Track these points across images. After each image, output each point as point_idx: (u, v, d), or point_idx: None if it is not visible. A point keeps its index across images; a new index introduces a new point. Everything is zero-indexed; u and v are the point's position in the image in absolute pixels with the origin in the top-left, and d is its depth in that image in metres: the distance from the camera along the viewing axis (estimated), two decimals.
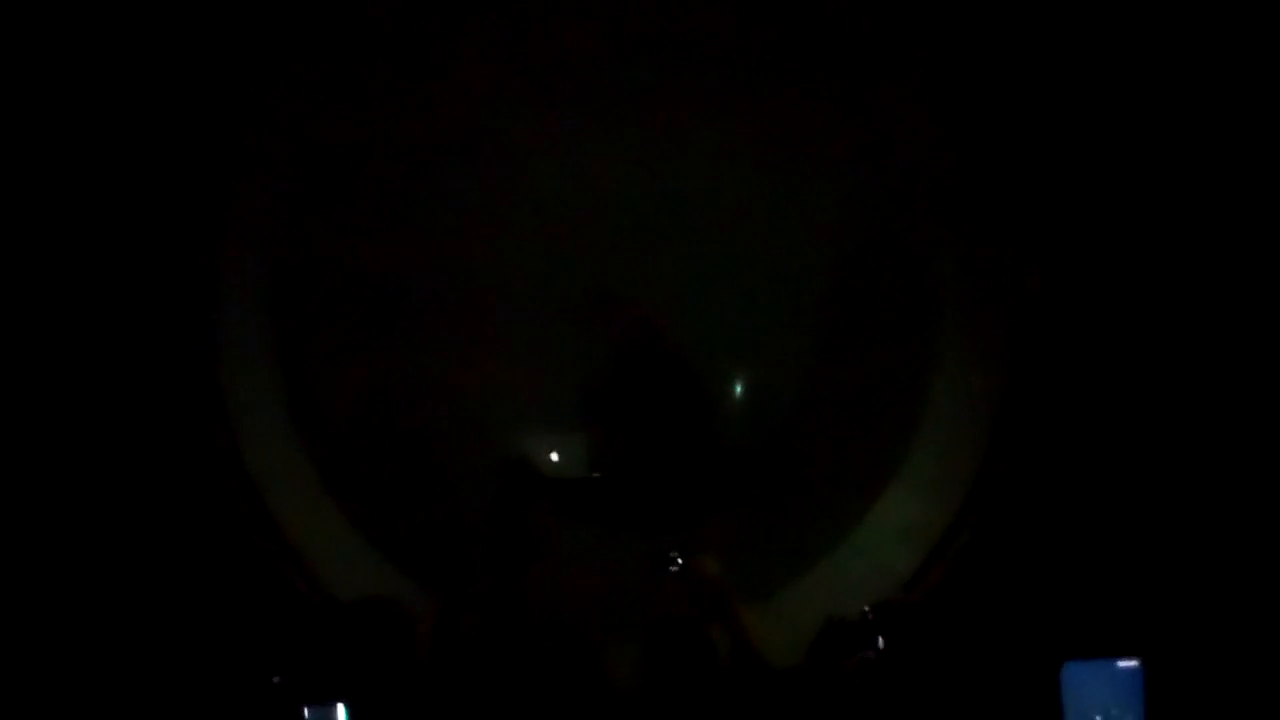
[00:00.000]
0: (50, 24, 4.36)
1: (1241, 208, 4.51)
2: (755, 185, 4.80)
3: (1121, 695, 4.18)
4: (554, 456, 4.83)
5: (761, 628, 4.42)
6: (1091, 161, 4.58)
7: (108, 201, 4.43)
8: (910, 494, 4.77)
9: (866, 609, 4.43)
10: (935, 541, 4.67)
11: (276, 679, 4.19)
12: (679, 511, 4.75)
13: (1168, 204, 4.55)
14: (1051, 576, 4.51)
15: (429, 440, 4.75)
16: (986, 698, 4.22)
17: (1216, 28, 4.46)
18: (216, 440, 4.62)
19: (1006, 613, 4.45)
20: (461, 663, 4.47)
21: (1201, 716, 4.30)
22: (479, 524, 4.69)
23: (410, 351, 4.75)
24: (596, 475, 4.82)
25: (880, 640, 4.32)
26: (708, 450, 4.86)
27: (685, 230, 4.80)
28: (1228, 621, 4.43)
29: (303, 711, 4.05)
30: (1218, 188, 4.52)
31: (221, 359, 4.66)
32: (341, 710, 4.07)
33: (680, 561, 4.32)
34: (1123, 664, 4.19)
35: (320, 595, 4.60)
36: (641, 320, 4.86)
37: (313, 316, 4.74)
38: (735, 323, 4.89)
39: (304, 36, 4.65)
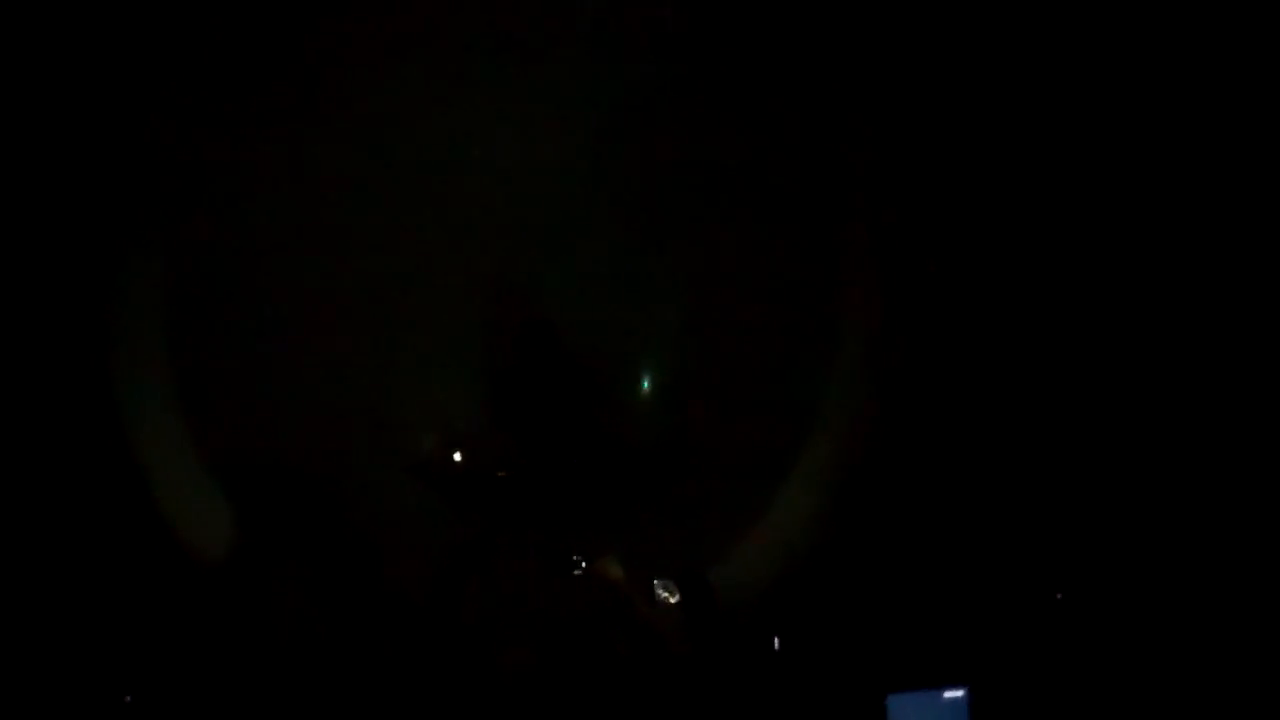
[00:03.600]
0: None
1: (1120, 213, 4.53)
2: (658, 183, 4.88)
3: None
4: (456, 456, 4.92)
5: (663, 624, 4.53)
6: (978, 177, 4.60)
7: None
8: (806, 489, 4.89)
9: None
10: (829, 535, 4.82)
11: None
12: (582, 509, 4.83)
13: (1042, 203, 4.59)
14: (879, 605, 4.66)
15: (333, 444, 4.75)
16: None
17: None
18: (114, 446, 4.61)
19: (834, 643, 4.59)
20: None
21: None
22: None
23: (312, 354, 4.74)
24: (501, 474, 4.89)
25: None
26: (609, 451, 4.93)
27: (587, 229, 4.87)
28: (1052, 651, 4.53)
29: None
30: (1091, 186, 4.55)
31: (114, 361, 4.64)
32: None
33: (583, 565, 4.42)
34: (949, 694, 4.25)
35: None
36: (543, 319, 4.91)
37: (210, 328, 4.72)
38: (638, 323, 4.97)
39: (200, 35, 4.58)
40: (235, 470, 4.69)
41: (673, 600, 4.16)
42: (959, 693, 4.24)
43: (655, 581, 4.13)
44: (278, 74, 4.66)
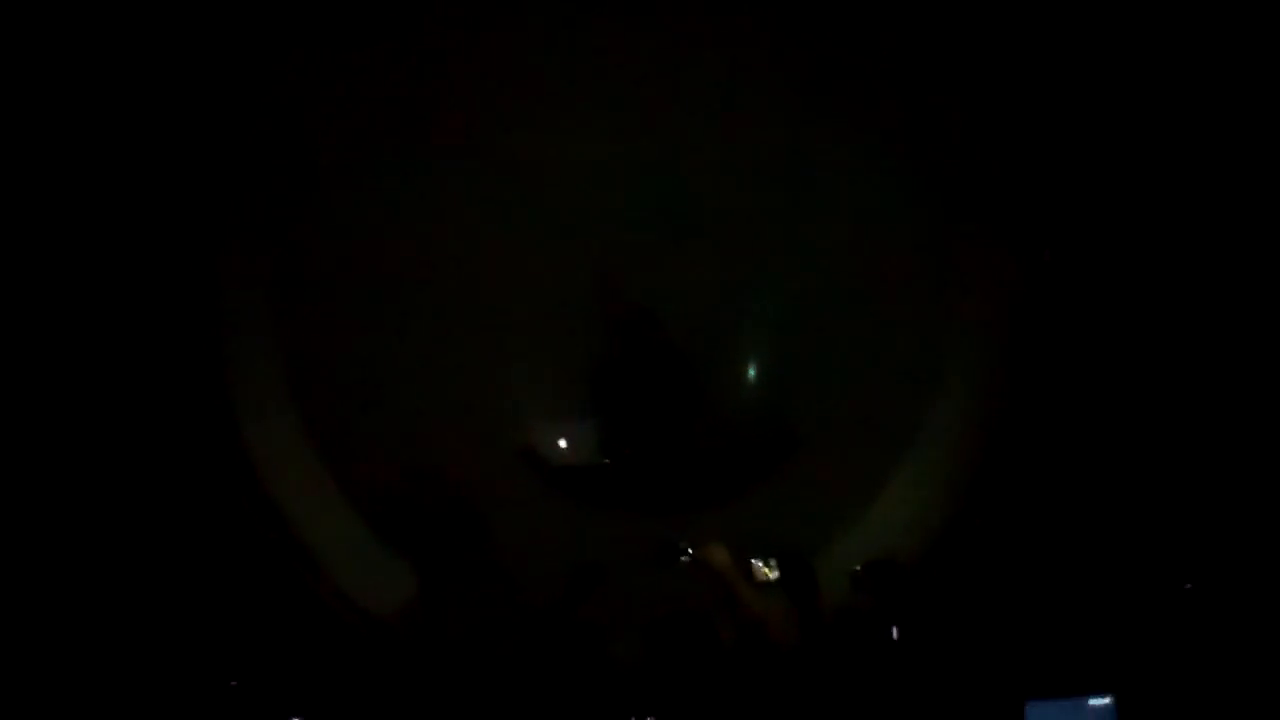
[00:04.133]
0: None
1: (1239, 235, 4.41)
2: (761, 183, 4.82)
3: None
4: (562, 444, 4.87)
5: (770, 615, 4.47)
6: (1092, 170, 4.58)
7: (116, 210, 4.46)
8: (914, 484, 4.78)
9: (857, 567, 4.50)
10: (937, 532, 4.68)
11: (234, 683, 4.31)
12: (688, 498, 4.78)
13: (1170, 219, 4.50)
14: (1020, 610, 4.52)
15: (438, 433, 4.75)
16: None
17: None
18: (225, 441, 4.63)
19: (973, 645, 4.45)
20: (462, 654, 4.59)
21: None
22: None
23: (418, 346, 4.77)
24: (606, 461, 4.84)
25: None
26: (715, 437, 4.86)
27: (693, 225, 4.83)
28: (1201, 658, 4.34)
29: None
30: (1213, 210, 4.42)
31: (228, 359, 4.66)
32: None
33: (690, 552, 4.37)
34: (1094, 702, 4.02)
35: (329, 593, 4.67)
36: (648, 309, 4.88)
37: (319, 313, 4.76)
38: (744, 311, 4.93)
39: (299, 42, 4.61)
40: (353, 467, 4.73)
41: (772, 577, 4.08)
42: (1105, 700, 4.03)
43: (754, 561, 4.06)
44: (383, 78, 4.71)
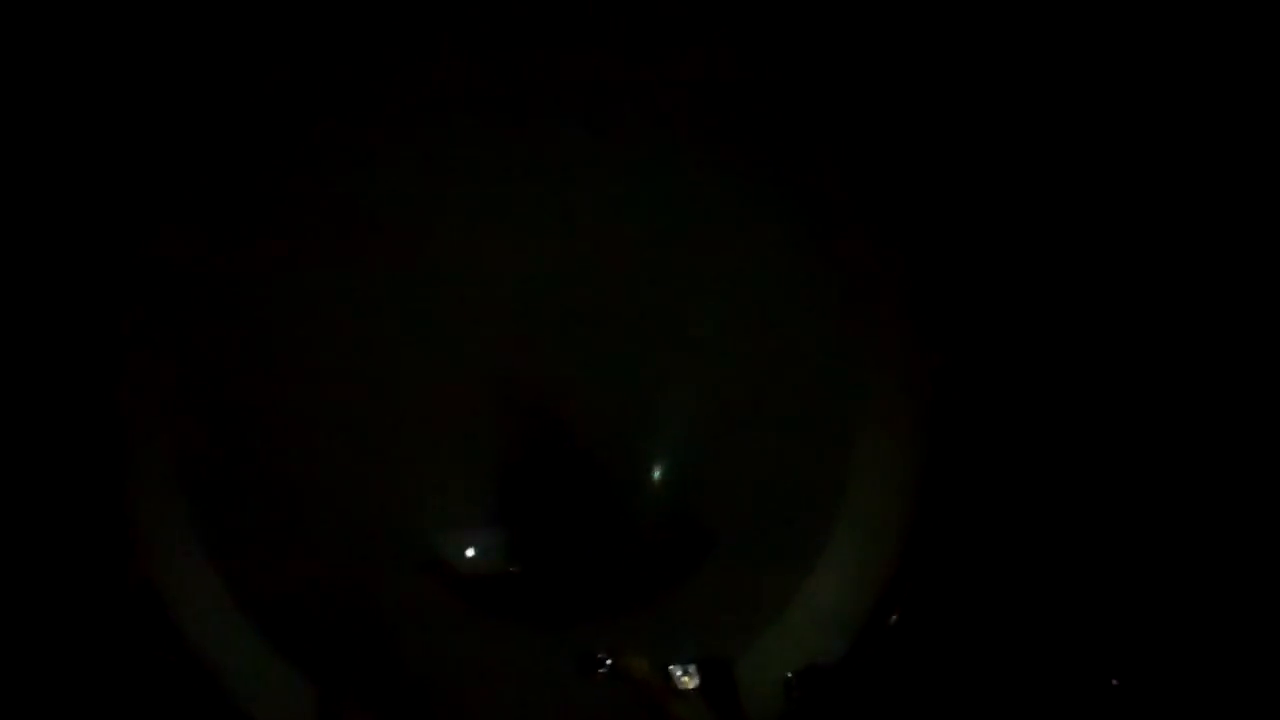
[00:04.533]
0: None
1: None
2: (667, 271, 4.73)
3: None
4: (469, 553, 4.71)
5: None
6: (997, 239, 4.50)
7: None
8: (834, 578, 4.69)
9: (789, 674, 4.39)
10: (861, 626, 4.59)
11: None
12: (599, 605, 4.64)
13: (1075, 276, 4.48)
14: (985, 655, 4.45)
15: (339, 543, 4.58)
16: None
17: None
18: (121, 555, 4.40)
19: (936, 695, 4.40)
20: None
21: None
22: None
23: (315, 452, 4.60)
24: (513, 570, 4.68)
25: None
26: (628, 540, 4.75)
27: (596, 317, 4.72)
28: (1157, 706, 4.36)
29: None
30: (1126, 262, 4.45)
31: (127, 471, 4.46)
32: None
33: (609, 663, 4.22)
34: None
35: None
36: (550, 411, 4.75)
37: (213, 416, 4.59)
38: (652, 409, 4.81)
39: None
40: (250, 578, 4.55)
41: (691, 685, 3.99)
42: None
43: (671, 668, 3.95)
44: (273, 162, 4.54)
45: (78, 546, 4.34)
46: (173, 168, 4.45)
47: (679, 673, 4.11)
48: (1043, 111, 4.44)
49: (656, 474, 4.86)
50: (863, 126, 4.60)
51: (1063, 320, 4.51)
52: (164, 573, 4.52)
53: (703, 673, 4.13)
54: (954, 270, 4.62)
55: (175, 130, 4.41)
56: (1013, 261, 4.55)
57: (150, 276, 4.50)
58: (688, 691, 4.12)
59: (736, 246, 4.73)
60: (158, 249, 4.48)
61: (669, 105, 4.65)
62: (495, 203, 4.68)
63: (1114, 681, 4.28)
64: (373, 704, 4.49)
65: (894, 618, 4.57)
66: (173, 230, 4.50)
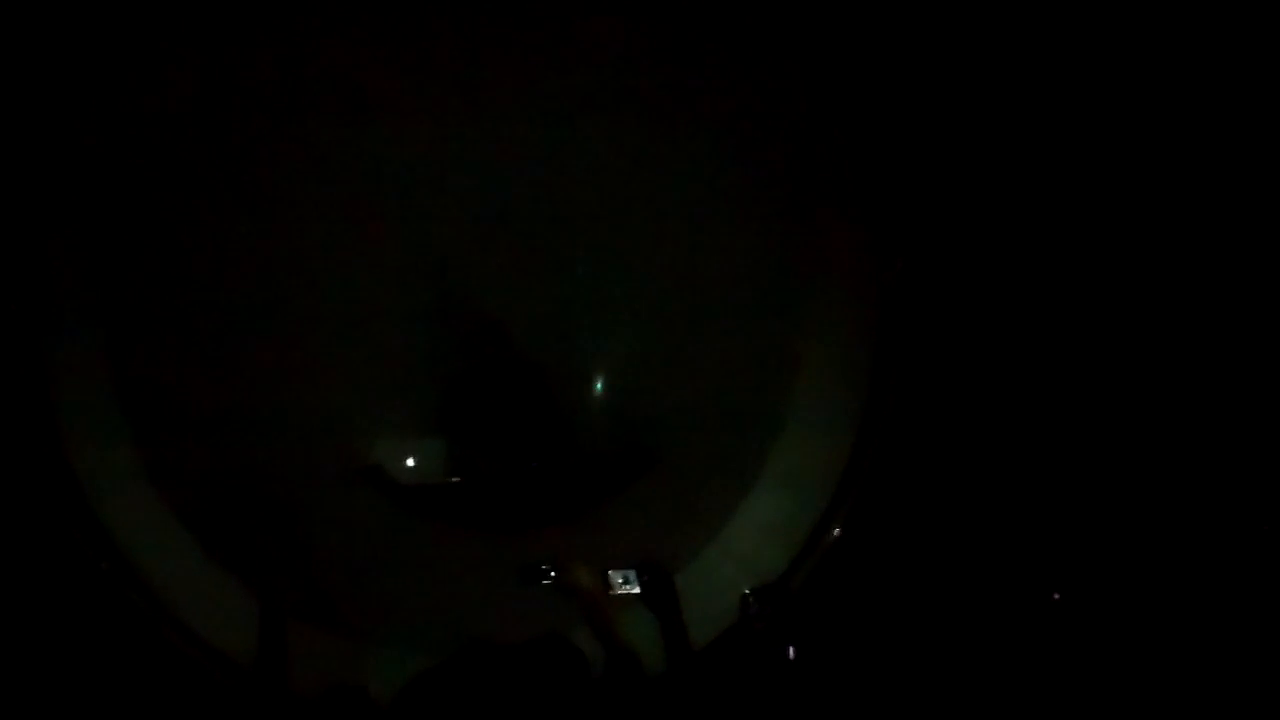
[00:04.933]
0: None
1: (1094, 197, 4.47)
2: (613, 185, 4.71)
3: None
4: (410, 462, 4.68)
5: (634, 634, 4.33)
6: (948, 157, 4.48)
7: None
8: (776, 492, 4.70)
9: (747, 592, 4.39)
10: (802, 540, 4.61)
11: None
12: (542, 516, 4.62)
13: (1023, 201, 4.50)
14: (926, 569, 4.49)
15: (281, 449, 4.53)
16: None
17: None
18: (50, 456, 4.31)
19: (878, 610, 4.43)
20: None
21: None
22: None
23: (259, 360, 4.57)
24: (455, 480, 4.65)
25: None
26: (569, 453, 4.73)
27: (542, 232, 4.72)
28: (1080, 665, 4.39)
29: None
30: (1074, 181, 4.47)
31: (55, 372, 4.34)
32: None
33: (552, 574, 4.19)
34: None
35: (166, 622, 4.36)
36: (496, 323, 4.73)
37: (151, 321, 4.52)
38: (594, 322, 4.82)
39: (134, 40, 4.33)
40: (183, 482, 4.47)
41: (633, 591, 3.95)
42: None
43: (611, 572, 3.91)
44: (221, 79, 4.49)
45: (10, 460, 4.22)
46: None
47: (619, 580, 4.07)
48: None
49: (599, 387, 4.85)
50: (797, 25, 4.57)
51: (1013, 229, 4.50)
52: (97, 481, 4.40)
53: (643, 580, 4.10)
54: (900, 176, 4.57)
55: None
56: (959, 165, 4.53)
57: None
58: (628, 598, 4.09)
59: (677, 159, 4.71)
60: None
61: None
62: (451, 116, 4.64)
63: (1055, 596, 4.33)
64: (311, 614, 4.40)
65: (835, 533, 4.55)
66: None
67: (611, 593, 4.00)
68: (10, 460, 4.20)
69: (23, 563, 4.15)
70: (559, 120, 4.64)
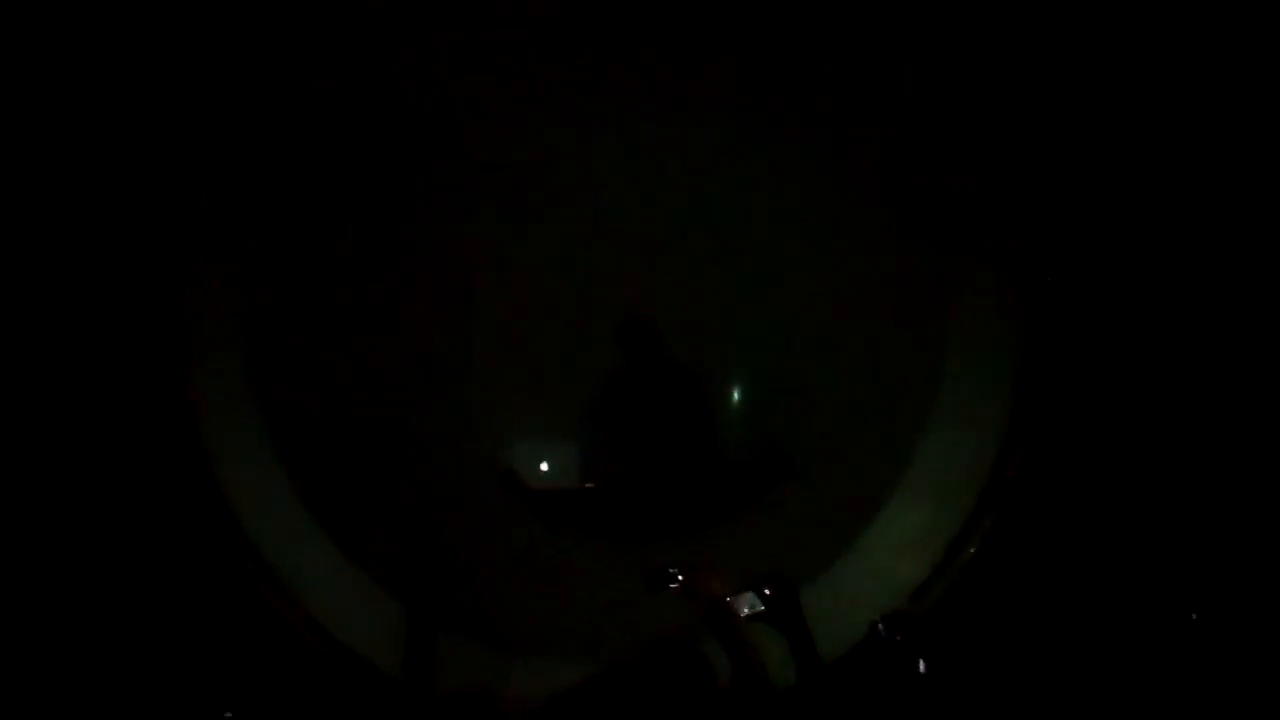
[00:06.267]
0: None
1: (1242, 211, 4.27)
2: (756, 195, 4.74)
3: None
4: (544, 467, 4.69)
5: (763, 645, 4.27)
6: (1097, 166, 4.37)
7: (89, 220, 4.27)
8: (914, 504, 4.60)
9: (877, 621, 4.28)
10: (940, 553, 4.50)
11: (229, 715, 4.11)
12: (676, 524, 4.59)
13: (1171, 208, 4.33)
14: (1065, 585, 4.35)
15: (418, 452, 4.63)
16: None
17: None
18: (194, 465, 4.42)
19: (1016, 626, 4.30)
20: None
21: None
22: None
23: (398, 362, 4.66)
24: (589, 486, 4.65)
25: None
26: (706, 460, 4.70)
27: (685, 239, 4.75)
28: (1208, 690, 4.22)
29: None
30: (1218, 190, 4.28)
31: (195, 377, 4.45)
32: None
33: (680, 579, 4.15)
34: None
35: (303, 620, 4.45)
36: (639, 327, 4.78)
37: (292, 323, 4.63)
38: (735, 331, 4.82)
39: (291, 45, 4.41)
40: (329, 491, 4.60)
41: (759, 610, 3.88)
42: None
43: (735, 598, 3.85)
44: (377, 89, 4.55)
45: (150, 456, 4.34)
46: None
47: (744, 608, 4.02)
48: None
49: (738, 396, 4.82)
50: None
51: (1159, 242, 4.35)
52: (236, 481, 4.49)
53: (770, 594, 4.03)
54: (1045, 201, 4.45)
55: None
56: (1105, 177, 4.40)
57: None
58: (755, 611, 4.03)
59: (826, 173, 4.70)
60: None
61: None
62: (602, 130, 4.72)
63: (1193, 616, 4.15)
64: (445, 616, 4.44)
65: (972, 549, 4.42)
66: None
67: (742, 605, 3.94)
68: (159, 475, 4.31)
69: (181, 593, 4.26)
70: (718, 137, 4.69)
